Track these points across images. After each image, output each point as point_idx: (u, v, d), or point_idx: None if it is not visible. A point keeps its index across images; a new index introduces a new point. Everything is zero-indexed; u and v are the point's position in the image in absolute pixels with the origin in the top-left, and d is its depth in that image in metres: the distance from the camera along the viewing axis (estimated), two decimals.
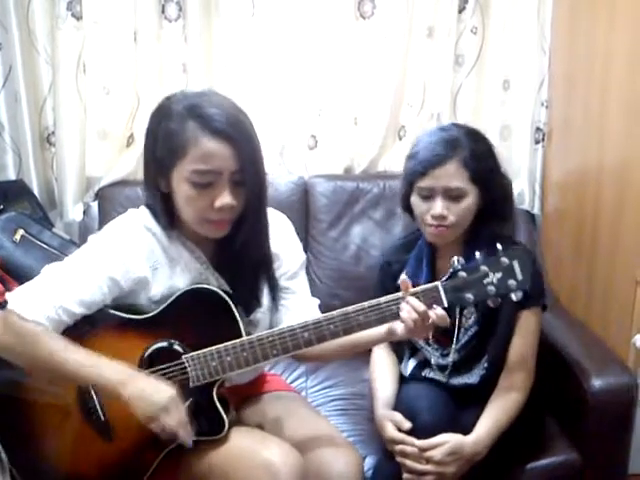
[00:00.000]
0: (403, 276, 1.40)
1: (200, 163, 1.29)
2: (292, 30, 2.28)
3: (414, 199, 1.60)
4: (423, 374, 1.70)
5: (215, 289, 1.38)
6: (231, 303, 1.37)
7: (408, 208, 1.65)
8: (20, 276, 1.77)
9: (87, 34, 2.20)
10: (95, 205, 2.30)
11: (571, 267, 2.17)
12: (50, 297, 1.30)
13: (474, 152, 1.55)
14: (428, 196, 1.56)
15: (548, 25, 2.29)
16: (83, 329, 1.33)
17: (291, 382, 1.98)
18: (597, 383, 1.66)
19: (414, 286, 1.37)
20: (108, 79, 2.27)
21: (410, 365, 1.72)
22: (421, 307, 1.32)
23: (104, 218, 2.20)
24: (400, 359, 1.75)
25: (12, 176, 2.30)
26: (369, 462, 1.65)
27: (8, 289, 1.80)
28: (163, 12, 2.22)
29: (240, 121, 1.32)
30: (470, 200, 1.56)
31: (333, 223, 2.27)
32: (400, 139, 2.43)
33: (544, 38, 2.30)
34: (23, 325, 1.27)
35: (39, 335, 1.27)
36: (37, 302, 1.29)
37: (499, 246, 1.34)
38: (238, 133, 1.29)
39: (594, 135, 2.02)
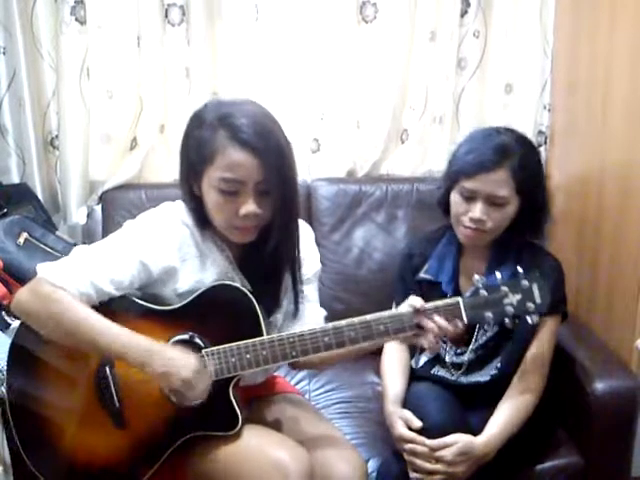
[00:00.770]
0: (419, 300, 1.40)
1: (226, 171, 1.32)
2: (295, 34, 2.29)
3: (454, 197, 1.60)
4: (432, 371, 1.71)
5: (241, 287, 1.40)
6: (255, 302, 1.39)
7: (444, 203, 1.65)
8: (24, 279, 1.77)
9: (91, 39, 2.21)
10: (99, 208, 2.30)
11: (574, 270, 2.17)
12: (82, 271, 1.34)
13: (524, 162, 1.55)
14: (470, 197, 1.56)
15: (550, 29, 2.30)
16: (107, 315, 1.34)
17: (294, 385, 1.97)
18: (600, 386, 1.66)
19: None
20: (111, 83, 2.27)
21: (422, 360, 1.73)
22: (448, 327, 1.36)
23: (108, 221, 2.21)
24: (412, 351, 1.76)
25: (16, 179, 2.30)
26: (372, 465, 1.65)
27: (12, 292, 1.82)
28: (166, 16, 2.22)
29: (269, 132, 1.34)
30: (511, 209, 1.57)
31: (336, 226, 2.27)
32: (402, 142, 2.43)
33: (546, 42, 2.30)
34: (52, 291, 1.31)
35: (67, 302, 1.30)
36: (69, 274, 1.33)
37: (519, 269, 1.39)
38: (265, 144, 1.32)
39: (596, 138, 2.02)
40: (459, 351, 1.68)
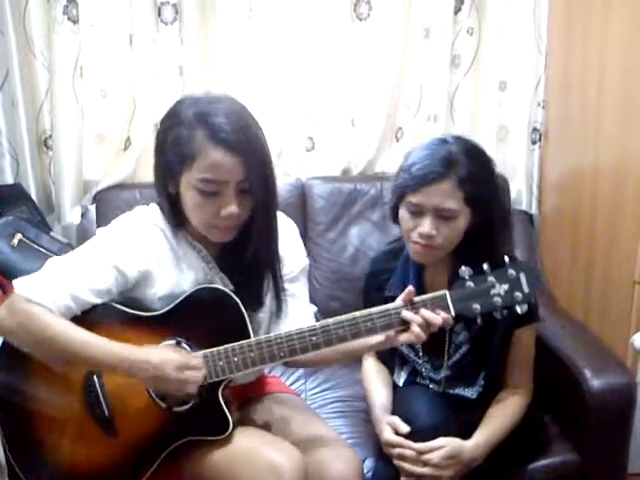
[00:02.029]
0: (410, 287, 1.38)
1: (206, 172, 1.30)
2: (289, 32, 2.28)
3: (402, 213, 1.53)
4: (418, 381, 1.69)
5: (226, 290, 1.39)
6: (241, 305, 1.37)
7: (397, 219, 1.58)
8: None
9: (83, 38, 2.20)
10: (93, 208, 2.29)
11: (569, 267, 2.17)
12: (58, 283, 1.32)
13: (472, 172, 1.47)
14: (417, 212, 1.49)
15: (544, 26, 2.29)
16: (92, 323, 1.33)
17: (290, 384, 1.98)
18: (596, 383, 1.66)
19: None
20: (105, 82, 2.27)
21: (403, 376, 1.71)
22: (435, 321, 1.35)
23: (102, 221, 2.20)
24: (391, 371, 1.74)
25: (10, 180, 2.29)
26: (368, 464, 1.65)
27: (6, 293, 1.81)
28: (159, 15, 2.21)
29: (249, 131, 1.32)
30: (461, 222, 1.49)
31: (331, 225, 2.27)
32: (397, 140, 2.43)
33: (540, 39, 2.30)
34: (29, 309, 1.29)
35: (45, 319, 1.28)
36: (45, 287, 1.31)
37: (506, 258, 1.36)
38: (245, 144, 1.30)
39: (590, 135, 2.02)
40: (436, 365, 1.65)
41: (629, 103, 1.82)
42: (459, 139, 1.55)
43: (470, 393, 1.64)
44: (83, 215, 2.32)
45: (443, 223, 1.48)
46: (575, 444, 1.72)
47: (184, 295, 1.38)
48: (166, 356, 1.31)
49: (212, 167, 1.30)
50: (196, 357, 1.34)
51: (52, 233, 2.09)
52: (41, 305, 1.29)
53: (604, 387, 1.66)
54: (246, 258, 1.40)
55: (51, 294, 1.30)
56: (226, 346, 1.35)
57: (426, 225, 1.48)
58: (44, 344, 1.30)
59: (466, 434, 1.52)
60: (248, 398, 1.61)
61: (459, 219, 1.49)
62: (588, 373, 1.68)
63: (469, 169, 1.47)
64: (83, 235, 2.26)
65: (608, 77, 1.92)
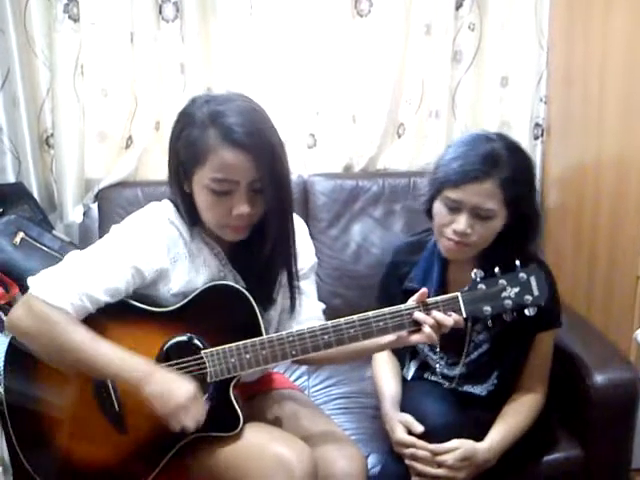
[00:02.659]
0: (424, 289, 1.38)
1: (218, 172, 1.30)
2: (290, 29, 2.28)
3: (438, 206, 1.50)
4: (425, 376, 1.69)
5: (238, 287, 1.39)
6: (253, 302, 1.38)
7: (430, 212, 1.56)
8: (21, 279, 1.77)
9: (84, 36, 2.20)
10: (95, 207, 2.29)
11: (572, 262, 2.17)
12: (74, 284, 1.31)
13: (514, 173, 1.44)
14: (454, 208, 1.46)
15: (546, 21, 2.29)
16: (104, 319, 1.34)
17: (293, 381, 1.97)
18: (599, 378, 1.66)
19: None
20: (106, 81, 2.27)
21: (412, 369, 1.71)
22: (446, 322, 1.35)
23: (104, 220, 2.20)
24: (401, 363, 1.74)
25: (11, 179, 2.29)
26: (372, 460, 1.65)
27: (8, 291, 1.81)
28: (160, 13, 2.21)
29: (261, 130, 1.32)
30: (497, 222, 1.47)
31: (333, 222, 2.26)
32: (399, 137, 2.42)
33: (542, 34, 2.30)
34: (47, 312, 1.28)
35: (63, 324, 1.28)
36: (61, 288, 1.30)
37: (517, 262, 1.37)
38: (257, 144, 1.30)
39: (593, 130, 2.02)
40: (450, 361, 1.65)
41: (631, 97, 1.82)
42: (501, 136, 1.52)
43: (479, 390, 1.64)
44: (85, 213, 2.31)
45: (479, 222, 1.46)
46: (579, 439, 1.72)
47: (197, 291, 1.39)
48: (182, 379, 1.30)
49: (224, 167, 1.30)
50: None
51: (54, 231, 2.09)
52: (59, 308, 1.28)
53: (607, 382, 1.66)
54: (261, 256, 1.40)
55: (68, 295, 1.29)
56: (238, 343, 1.35)
57: (462, 222, 1.46)
58: (60, 352, 1.30)
59: (476, 433, 1.51)
60: (253, 394, 1.61)
61: (496, 219, 1.47)
62: (592, 368, 1.68)
63: (511, 170, 1.45)
64: (85, 233, 2.26)
65: (610, 71, 1.92)
